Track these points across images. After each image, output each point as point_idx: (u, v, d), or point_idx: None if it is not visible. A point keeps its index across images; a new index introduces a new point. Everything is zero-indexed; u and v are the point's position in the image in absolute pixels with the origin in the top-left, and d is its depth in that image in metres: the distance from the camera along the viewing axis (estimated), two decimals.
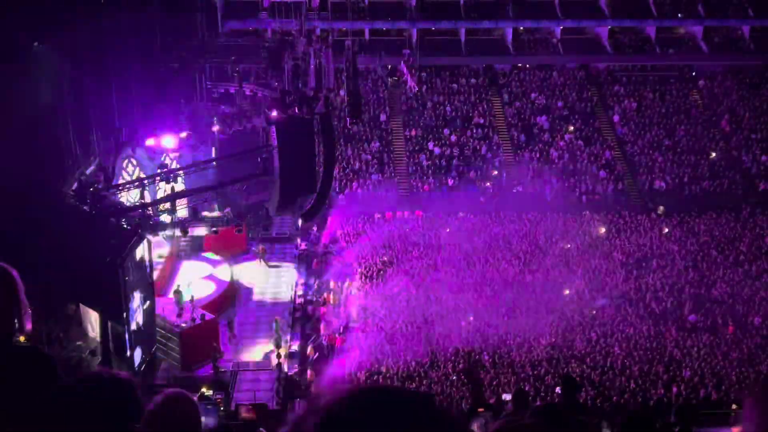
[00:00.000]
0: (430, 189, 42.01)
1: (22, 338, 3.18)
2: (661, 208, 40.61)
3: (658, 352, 28.59)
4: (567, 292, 32.59)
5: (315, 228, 37.96)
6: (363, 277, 34.22)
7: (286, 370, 27.99)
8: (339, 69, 34.94)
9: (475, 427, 7.91)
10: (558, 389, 23.58)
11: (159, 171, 30.12)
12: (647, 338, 29.54)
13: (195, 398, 3.55)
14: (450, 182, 42.34)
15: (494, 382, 26.32)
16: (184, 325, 27.28)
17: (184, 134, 30.24)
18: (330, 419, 1.31)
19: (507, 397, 24.32)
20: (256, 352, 29.18)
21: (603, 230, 38.17)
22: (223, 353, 28.59)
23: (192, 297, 28.63)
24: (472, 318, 30.44)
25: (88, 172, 27.83)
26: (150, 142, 31.93)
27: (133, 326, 23.98)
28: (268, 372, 27.93)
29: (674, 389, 26.20)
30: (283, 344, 29.24)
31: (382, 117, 46.03)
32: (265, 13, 43.98)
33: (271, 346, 29.14)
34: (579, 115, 46.52)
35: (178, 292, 28.62)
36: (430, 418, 1.33)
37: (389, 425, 1.29)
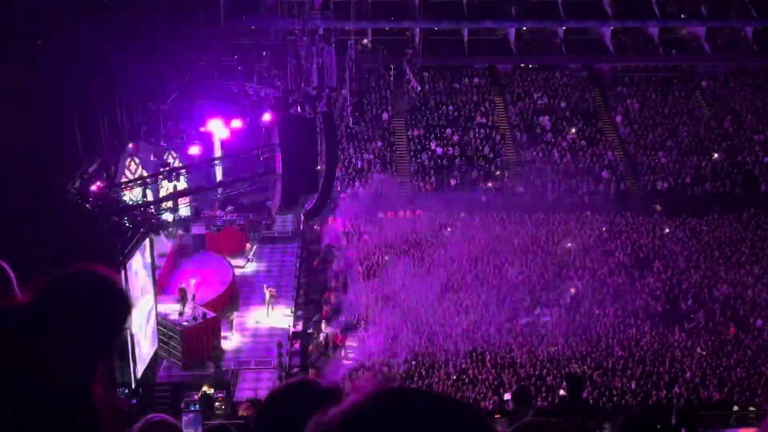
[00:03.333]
0: (432, 189, 42.01)
1: None
2: (658, 206, 40.59)
3: (659, 353, 28.58)
4: (573, 290, 32.62)
5: (317, 227, 37.99)
6: (365, 276, 34.23)
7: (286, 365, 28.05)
8: (342, 68, 34.92)
9: None
10: (562, 391, 23.59)
11: (161, 169, 30.16)
12: (649, 339, 29.53)
13: (177, 422, 3.36)
14: (452, 182, 42.34)
15: (495, 382, 26.33)
16: (185, 323, 27.30)
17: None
18: (356, 420, 1.27)
19: (508, 396, 24.34)
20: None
21: (604, 229, 38.17)
22: (225, 352, 28.62)
23: (193, 296, 28.65)
24: (473, 318, 30.45)
25: (90, 170, 27.84)
26: (153, 139, 32.03)
27: (135, 326, 23.98)
28: (269, 371, 27.95)
29: (676, 390, 26.18)
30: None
31: (385, 116, 46.04)
32: (268, 12, 44.02)
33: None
34: (581, 116, 46.51)
35: (182, 290, 28.64)
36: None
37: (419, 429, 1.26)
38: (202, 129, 33.58)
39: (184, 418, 17.30)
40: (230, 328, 29.86)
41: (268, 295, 31.66)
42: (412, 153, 44.35)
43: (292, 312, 31.78)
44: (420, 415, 1.27)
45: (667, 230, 38.49)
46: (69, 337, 2.04)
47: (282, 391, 2.62)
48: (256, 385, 26.84)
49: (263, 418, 2.58)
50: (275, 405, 2.57)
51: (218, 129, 32.69)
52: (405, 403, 1.29)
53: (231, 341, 29.52)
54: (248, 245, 35.37)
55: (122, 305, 2.26)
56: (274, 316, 31.26)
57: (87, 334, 2.10)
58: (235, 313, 31.02)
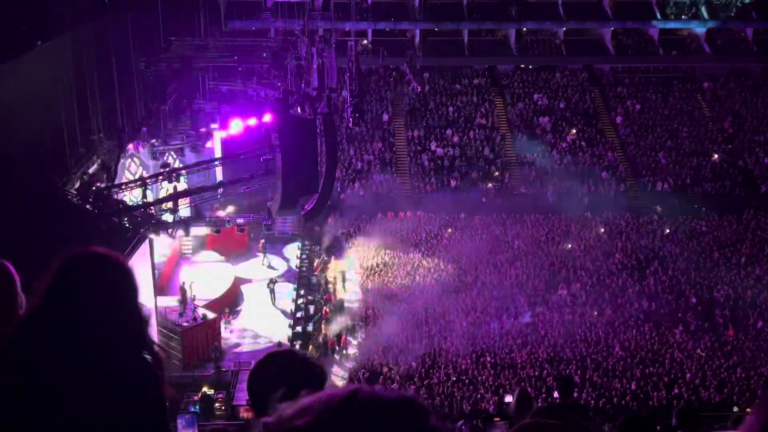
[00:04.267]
0: (432, 189, 42.00)
1: None
2: (658, 207, 40.60)
3: (659, 354, 28.57)
4: (572, 292, 32.62)
5: (317, 228, 37.98)
6: (365, 278, 34.23)
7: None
8: (342, 69, 34.93)
9: None
10: (556, 393, 23.59)
11: (162, 170, 30.17)
12: (649, 340, 29.52)
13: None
14: (452, 183, 42.33)
15: (495, 383, 26.33)
16: (185, 324, 27.30)
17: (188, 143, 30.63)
18: (318, 423, 1.31)
19: (508, 398, 24.33)
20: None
21: (602, 230, 38.22)
22: (225, 352, 28.61)
23: (194, 296, 28.66)
24: (473, 319, 30.45)
25: (90, 170, 27.88)
26: (153, 140, 32.06)
27: None
28: None
29: (675, 391, 26.17)
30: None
31: (385, 117, 46.05)
32: (269, 13, 44.03)
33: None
34: (581, 117, 46.51)
35: (183, 291, 28.66)
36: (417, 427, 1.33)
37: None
38: (202, 130, 33.58)
39: (179, 421, 17.22)
40: (228, 316, 30.36)
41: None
42: (412, 154, 44.35)
43: (294, 289, 32.84)
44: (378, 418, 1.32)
45: (668, 230, 38.50)
46: (97, 315, 2.11)
47: (270, 356, 3.13)
48: None
49: (254, 376, 3.07)
50: (264, 366, 3.08)
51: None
52: (367, 406, 1.33)
53: (230, 341, 29.51)
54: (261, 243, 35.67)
55: (127, 275, 2.41)
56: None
57: (114, 309, 2.21)
58: (227, 310, 31.27)
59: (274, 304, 32.17)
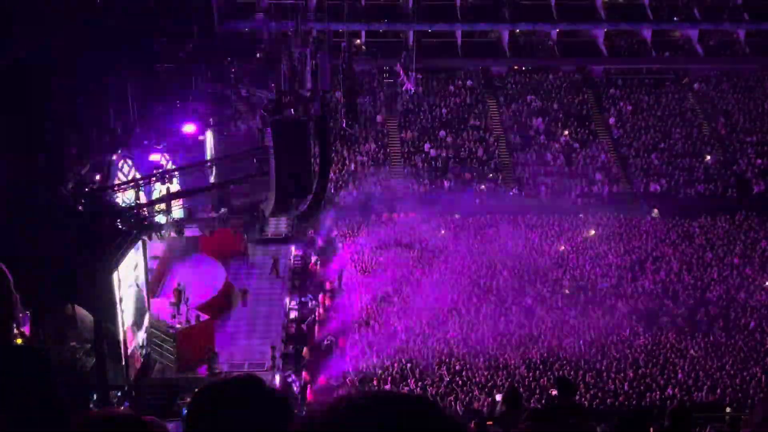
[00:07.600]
0: (425, 191, 42.01)
1: (18, 340, 3.18)
2: (656, 210, 40.74)
3: (652, 355, 28.63)
4: (567, 292, 32.69)
5: (311, 230, 37.93)
6: (358, 279, 34.18)
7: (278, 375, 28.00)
8: (335, 70, 34.91)
9: None
10: (554, 391, 23.62)
11: (154, 172, 30.08)
12: (642, 340, 29.57)
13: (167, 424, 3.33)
14: (446, 184, 42.35)
15: (489, 383, 26.34)
16: (179, 326, 27.22)
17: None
18: (332, 423, 1.31)
19: (499, 398, 24.33)
20: None
21: (593, 232, 38.27)
22: (218, 354, 28.54)
23: (187, 298, 28.57)
24: (467, 319, 30.44)
25: (83, 172, 27.76)
26: (146, 142, 31.96)
27: (127, 327, 23.93)
28: (262, 373, 27.88)
29: (669, 391, 26.23)
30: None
31: (378, 118, 46.05)
32: (262, 15, 43.99)
33: None
34: (574, 118, 46.61)
35: (177, 292, 28.57)
36: (433, 424, 1.33)
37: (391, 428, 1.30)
38: (194, 130, 33.52)
39: (170, 426, 17.26)
40: (242, 300, 31.57)
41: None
42: (405, 155, 44.37)
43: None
44: (392, 414, 1.32)
45: (660, 231, 38.53)
46: None
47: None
48: None
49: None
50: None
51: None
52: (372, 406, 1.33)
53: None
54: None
55: None
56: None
57: None
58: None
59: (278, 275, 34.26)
